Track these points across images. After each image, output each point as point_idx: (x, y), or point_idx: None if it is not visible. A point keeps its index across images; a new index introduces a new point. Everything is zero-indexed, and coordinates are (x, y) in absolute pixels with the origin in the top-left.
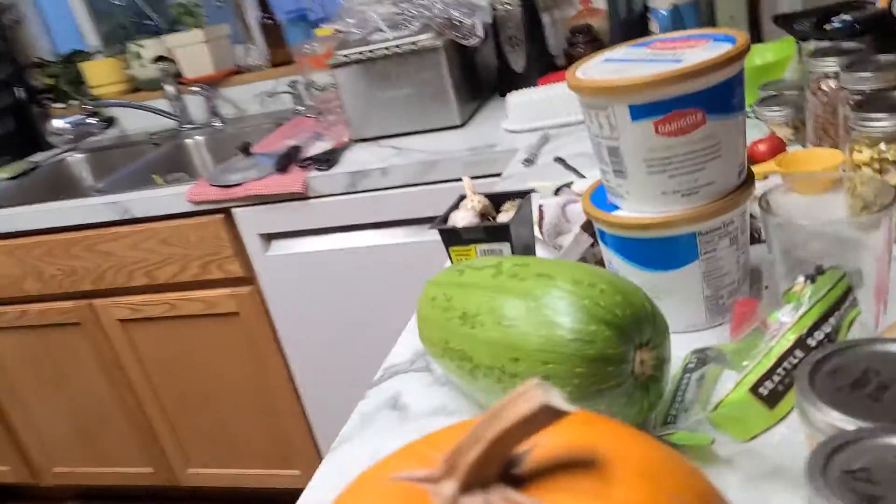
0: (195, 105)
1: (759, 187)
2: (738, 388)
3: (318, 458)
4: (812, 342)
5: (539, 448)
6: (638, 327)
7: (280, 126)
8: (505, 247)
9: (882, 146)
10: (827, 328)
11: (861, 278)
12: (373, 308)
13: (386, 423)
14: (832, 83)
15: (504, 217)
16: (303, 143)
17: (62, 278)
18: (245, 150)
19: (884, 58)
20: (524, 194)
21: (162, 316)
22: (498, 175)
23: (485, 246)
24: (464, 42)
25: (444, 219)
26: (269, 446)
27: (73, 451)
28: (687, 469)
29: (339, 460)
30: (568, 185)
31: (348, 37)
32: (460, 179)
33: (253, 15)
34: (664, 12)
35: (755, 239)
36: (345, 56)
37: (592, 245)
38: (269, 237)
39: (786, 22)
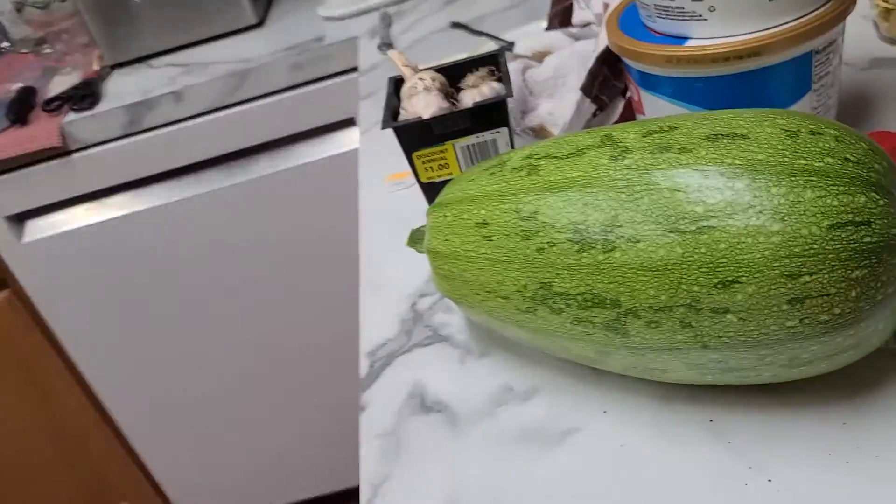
0: None
1: None
2: None
3: (157, 491)
4: None
5: None
6: None
7: None
8: (501, 135)
9: None
10: None
11: None
12: (194, 287)
13: (431, 440)
14: None
15: (473, 95)
16: (34, 83)
17: None
18: None
19: None
20: (493, 57)
21: None
22: (353, 70)
23: (470, 139)
24: None
25: (394, 114)
26: (83, 494)
27: None
28: None
29: None
30: (509, 49)
31: None
32: (285, 90)
33: None
34: None
35: None
36: None
37: (595, 114)
38: (19, 218)
39: None
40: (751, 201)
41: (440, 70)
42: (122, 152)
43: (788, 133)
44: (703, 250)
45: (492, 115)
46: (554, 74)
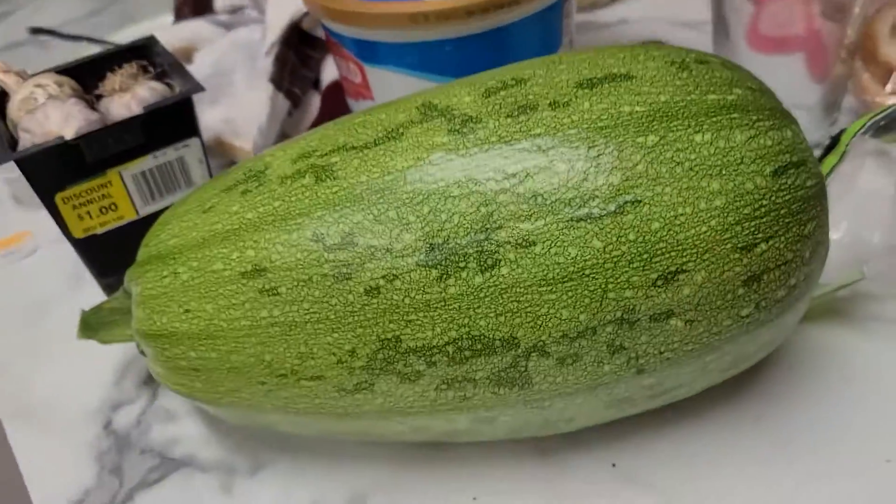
0: None
1: None
2: None
3: None
4: None
5: None
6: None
7: None
8: (190, 149)
9: None
10: None
11: None
12: None
13: None
14: None
15: (125, 102)
16: None
17: None
18: None
19: None
20: (141, 48)
21: None
22: None
23: (145, 162)
24: None
25: (9, 142)
26: None
27: None
28: None
29: None
30: None
31: None
32: None
33: None
34: None
35: None
36: None
37: (290, 112)
38: None
39: None
40: (674, 156)
41: (64, 72)
42: None
43: (677, 65)
44: (631, 237)
45: (173, 122)
46: (214, 72)
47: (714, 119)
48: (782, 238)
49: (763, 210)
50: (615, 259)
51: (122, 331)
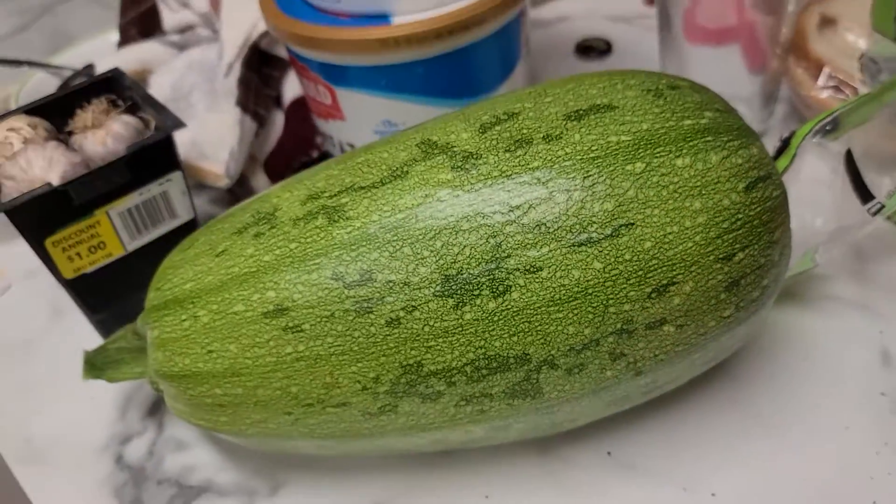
0: None
1: None
2: None
3: None
4: None
5: None
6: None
7: None
8: (173, 183)
9: None
10: None
11: None
12: None
13: None
14: None
15: (100, 139)
16: None
17: None
18: None
19: None
20: (108, 81)
21: None
22: None
23: (131, 199)
24: None
25: None
26: None
27: None
28: None
29: None
30: (88, 72)
31: None
32: None
33: None
34: None
35: None
36: None
37: (257, 133)
38: None
39: None
40: (660, 181)
41: (31, 112)
42: None
43: (653, 93)
44: (627, 257)
45: (157, 158)
46: (173, 95)
47: (691, 143)
48: (756, 246)
49: (739, 223)
50: (614, 277)
51: (131, 369)
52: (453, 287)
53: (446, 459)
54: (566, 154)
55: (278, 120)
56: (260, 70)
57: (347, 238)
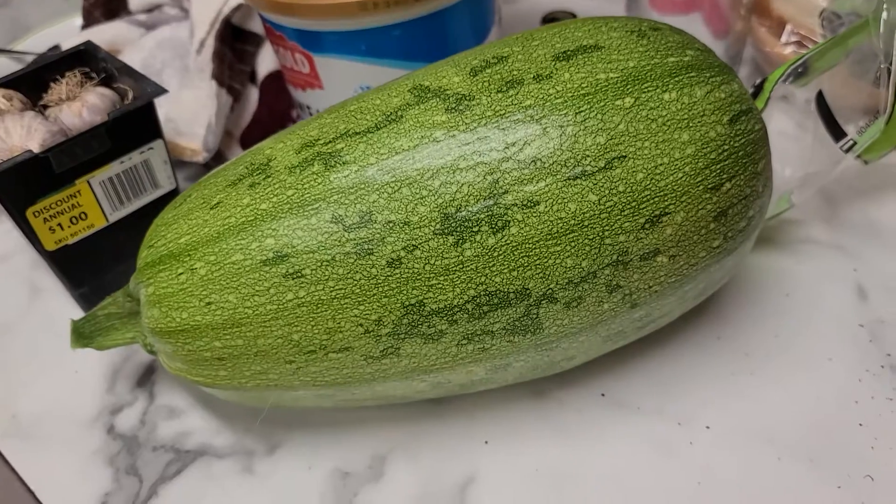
0: None
1: None
2: None
3: None
4: None
5: None
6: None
7: None
8: (155, 152)
9: None
10: None
11: None
12: None
13: None
14: None
15: (77, 110)
16: None
17: None
18: None
19: None
20: (79, 54)
21: None
22: None
23: (112, 168)
24: None
25: None
26: None
27: None
28: None
29: None
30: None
31: None
32: None
33: None
34: None
35: None
36: None
37: (232, 108)
38: None
39: None
40: (649, 114)
41: (4, 86)
42: None
43: (636, 33)
44: (620, 188)
45: (138, 126)
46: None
47: (676, 79)
48: (741, 176)
49: (725, 154)
50: (609, 209)
51: (122, 334)
52: (453, 225)
53: (444, 408)
54: (557, 92)
55: (253, 95)
56: (233, 45)
57: (345, 182)
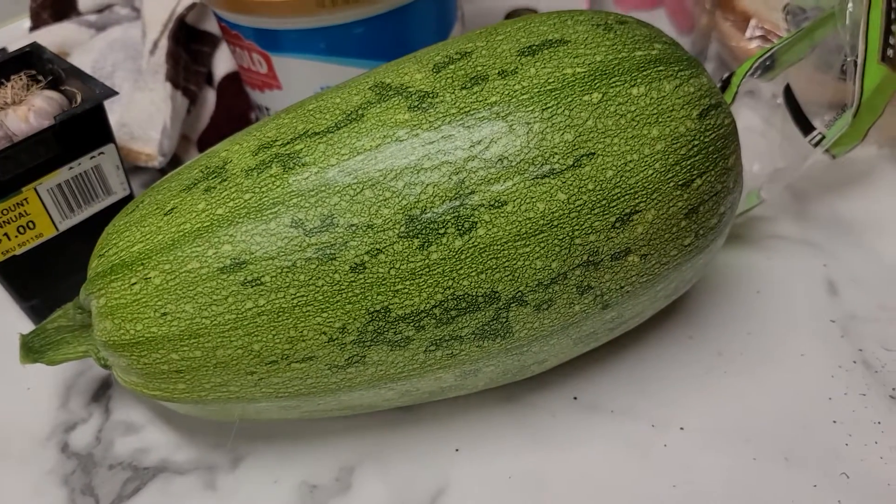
0: None
1: None
2: (870, 67)
3: None
4: None
5: None
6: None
7: None
8: (106, 156)
9: None
10: None
11: None
12: None
13: None
14: None
15: (23, 115)
16: None
17: None
18: None
19: None
20: (25, 56)
21: None
22: None
23: (61, 175)
24: None
25: None
26: None
27: None
28: None
29: None
30: None
31: None
32: None
33: None
34: None
35: None
36: None
37: (189, 110)
38: None
39: None
40: (617, 110)
41: None
42: None
43: (602, 27)
44: (590, 186)
45: (87, 130)
46: (94, 76)
47: (645, 73)
48: (712, 172)
49: (695, 149)
50: (578, 208)
51: (74, 348)
52: (418, 227)
53: (413, 416)
54: (523, 88)
55: (210, 98)
56: (188, 46)
57: (305, 184)
